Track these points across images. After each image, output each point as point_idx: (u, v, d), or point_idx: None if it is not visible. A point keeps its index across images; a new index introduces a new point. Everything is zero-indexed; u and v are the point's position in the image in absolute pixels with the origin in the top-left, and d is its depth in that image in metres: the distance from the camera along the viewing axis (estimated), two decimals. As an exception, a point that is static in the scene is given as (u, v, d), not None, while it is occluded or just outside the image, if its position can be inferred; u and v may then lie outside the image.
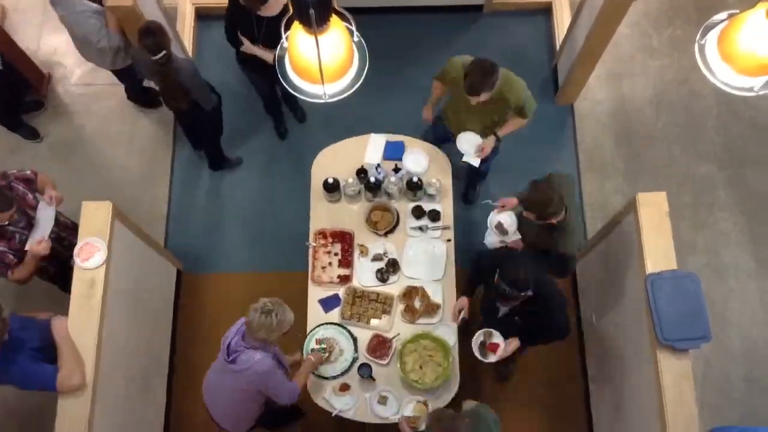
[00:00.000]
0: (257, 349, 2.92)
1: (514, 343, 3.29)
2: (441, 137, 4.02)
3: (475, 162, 3.80)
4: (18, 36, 5.03)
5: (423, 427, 3.17)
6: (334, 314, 3.60)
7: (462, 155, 3.81)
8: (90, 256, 3.30)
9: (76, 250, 3.30)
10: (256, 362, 2.90)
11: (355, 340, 3.51)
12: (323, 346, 3.47)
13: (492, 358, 3.29)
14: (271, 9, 3.70)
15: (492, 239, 3.55)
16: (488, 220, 3.58)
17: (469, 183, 4.63)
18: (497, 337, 3.28)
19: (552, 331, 3.21)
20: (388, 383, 3.45)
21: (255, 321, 2.81)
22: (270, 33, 3.76)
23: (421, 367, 3.43)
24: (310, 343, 3.50)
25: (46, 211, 3.49)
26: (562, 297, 3.14)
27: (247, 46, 3.87)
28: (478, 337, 3.31)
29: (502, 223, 3.52)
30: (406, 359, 3.44)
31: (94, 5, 4.00)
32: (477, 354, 3.30)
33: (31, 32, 5.23)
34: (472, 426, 2.70)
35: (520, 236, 3.50)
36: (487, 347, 3.28)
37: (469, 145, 3.77)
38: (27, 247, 3.39)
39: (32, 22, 5.26)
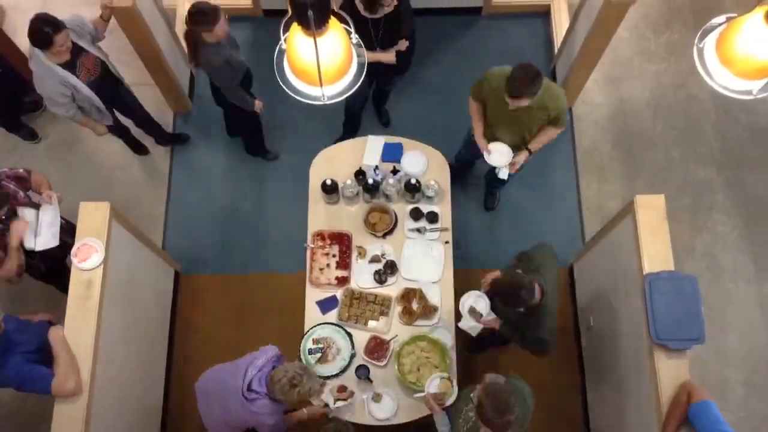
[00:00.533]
0: (274, 402, 3.03)
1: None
2: (474, 156, 4.03)
3: (505, 175, 3.75)
4: (17, 36, 5.01)
5: (449, 402, 3.20)
6: (332, 316, 3.59)
7: (491, 166, 3.77)
8: (87, 257, 3.29)
9: (73, 251, 3.29)
10: (269, 414, 3.03)
11: (350, 336, 3.51)
12: (320, 345, 3.47)
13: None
14: (388, 6, 3.52)
15: (469, 324, 3.37)
16: (461, 304, 3.40)
17: (489, 190, 4.61)
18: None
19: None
20: (386, 385, 3.44)
21: (279, 385, 2.92)
22: (387, 30, 3.67)
23: (418, 369, 3.43)
24: (307, 344, 3.50)
25: (50, 211, 3.46)
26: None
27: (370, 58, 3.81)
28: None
29: (475, 308, 3.36)
30: (404, 361, 3.43)
31: (68, 75, 3.63)
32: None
33: (30, 33, 5.21)
34: (519, 403, 2.65)
35: (494, 316, 3.33)
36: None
37: (500, 157, 3.68)
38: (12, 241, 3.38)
39: (31, 22, 5.24)
